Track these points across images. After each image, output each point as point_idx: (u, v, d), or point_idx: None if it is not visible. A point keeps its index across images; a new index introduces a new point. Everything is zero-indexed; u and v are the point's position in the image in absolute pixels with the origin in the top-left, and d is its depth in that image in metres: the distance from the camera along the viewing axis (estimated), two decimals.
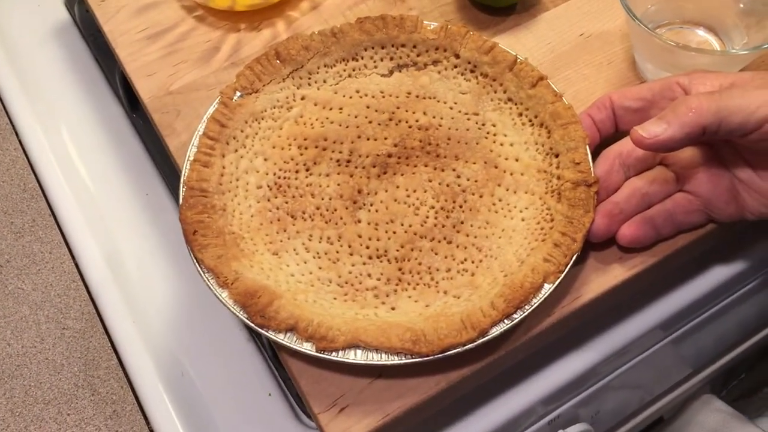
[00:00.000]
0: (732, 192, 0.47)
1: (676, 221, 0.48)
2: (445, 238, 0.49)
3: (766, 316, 0.69)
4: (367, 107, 0.55)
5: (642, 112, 0.49)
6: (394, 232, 0.50)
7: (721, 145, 0.47)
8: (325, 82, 0.55)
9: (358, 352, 0.44)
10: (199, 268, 0.47)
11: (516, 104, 0.53)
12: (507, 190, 0.51)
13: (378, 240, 0.50)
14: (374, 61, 0.56)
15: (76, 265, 0.58)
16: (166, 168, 0.63)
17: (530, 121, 0.52)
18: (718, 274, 0.57)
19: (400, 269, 0.48)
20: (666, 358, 0.64)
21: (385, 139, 0.53)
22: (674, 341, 0.62)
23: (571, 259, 0.46)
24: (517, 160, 0.52)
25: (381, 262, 0.49)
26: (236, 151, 0.52)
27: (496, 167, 0.52)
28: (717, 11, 0.57)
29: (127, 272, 0.58)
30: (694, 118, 0.42)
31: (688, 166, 0.48)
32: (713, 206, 0.48)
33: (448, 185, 0.51)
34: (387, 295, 0.47)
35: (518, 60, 0.53)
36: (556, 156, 0.50)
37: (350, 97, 0.55)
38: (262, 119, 0.54)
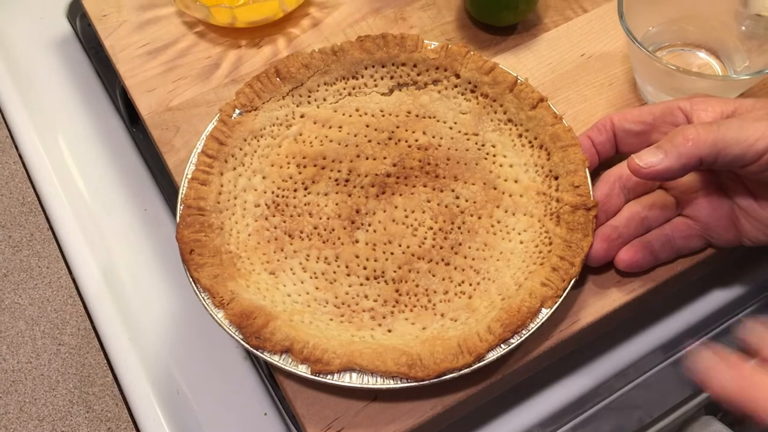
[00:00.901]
0: (731, 218, 0.47)
1: (674, 246, 0.48)
2: (443, 260, 0.49)
3: None
4: (367, 126, 0.54)
5: (643, 135, 0.49)
6: (392, 253, 0.50)
7: (722, 171, 0.47)
8: (324, 100, 0.55)
9: (354, 375, 0.43)
10: (196, 288, 0.47)
11: (516, 125, 0.53)
12: (506, 211, 0.51)
13: (375, 261, 0.49)
14: (374, 80, 0.56)
15: (73, 281, 0.58)
16: (165, 183, 0.63)
17: (530, 142, 0.52)
18: (718, 298, 0.56)
19: (397, 291, 0.48)
20: (665, 380, 0.63)
21: (384, 158, 0.53)
22: (674, 363, 0.62)
23: (569, 283, 0.45)
24: (516, 181, 0.51)
25: (378, 283, 0.49)
26: (234, 169, 0.52)
27: (495, 188, 0.51)
28: (719, 34, 0.56)
29: (123, 288, 0.58)
30: (691, 149, 0.42)
31: (688, 191, 0.48)
32: (712, 232, 0.48)
33: (446, 206, 0.51)
34: (384, 317, 0.47)
35: (518, 81, 0.53)
36: (556, 178, 0.50)
37: (350, 116, 0.55)
38: (261, 137, 0.53)
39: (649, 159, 0.43)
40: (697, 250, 0.49)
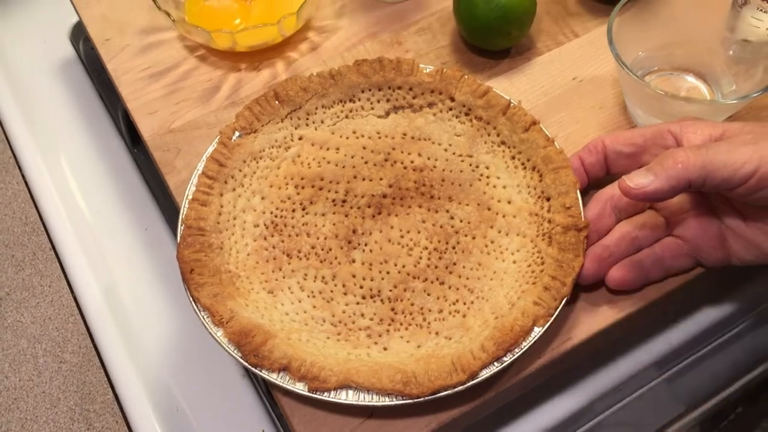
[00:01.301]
0: (720, 238, 0.48)
1: (664, 265, 0.49)
2: (437, 279, 0.50)
3: (759, 355, 0.69)
4: (364, 148, 0.56)
5: (634, 157, 0.50)
6: (388, 272, 0.51)
7: (711, 193, 0.48)
8: (322, 122, 0.57)
9: (350, 392, 0.44)
10: (195, 307, 0.48)
11: (509, 147, 0.54)
12: (499, 232, 0.52)
13: (372, 280, 0.50)
14: (371, 103, 0.57)
15: (75, 299, 0.59)
16: (166, 203, 0.64)
17: (523, 164, 0.53)
18: (709, 316, 0.58)
19: (392, 309, 0.49)
20: (659, 396, 0.64)
21: (381, 179, 0.54)
22: (668, 379, 0.63)
23: (561, 302, 0.46)
24: (509, 202, 0.53)
25: (374, 302, 0.50)
26: (234, 190, 0.53)
27: (488, 209, 0.53)
28: (706, 59, 0.58)
29: (124, 307, 0.59)
30: (680, 171, 0.43)
31: (678, 211, 0.49)
32: (701, 251, 0.49)
33: (441, 226, 0.52)
34: (379, 335, 0.48)
35: (511, 104, 0.54)
36: (548, 200, 0.51)
37: (347, 138, 0.56)
38: (260, 159, 0.55)
39: (640, 180, 0.44)
40: (686, 269, 0.50)
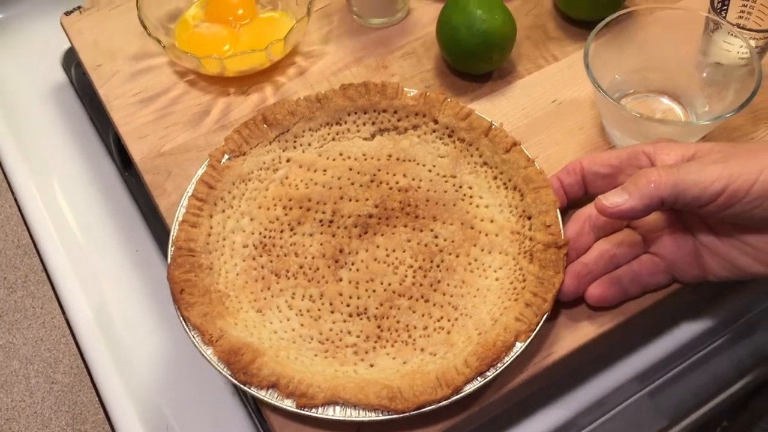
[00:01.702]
0: (695, 255, 0.50)
1: (642, 282, 0.51)
2: (422, 297, 0.52)
3: (740, 369, 0.70)
4: (350, 169, 0.57)
5: (610, 177, 0.51)
6: (374, 291, 0.52)
7: (684, 210, 0.50)
8: (309, 145, 0.58)
9: (337, 408, 0.45)
10: (186, 326, 0.49)
11: (491, 168, 0.56)
12: (482, 250, 0.53)
13: (358, 298, 0.52)
14: (357, 126, 0.59)
15: (66, 320, 0.60)
16: (157, 225, 0.65)
17: (504, 184, 0.55)
18: (688, 331, 0.59)
19: (379, 327, 0.50)
20: (642, 411, 0.65)
21: (367, 200, 0.56)
22: (650, 394, 0.64)
23: (542, 318, 0.48)
24: (492, 221, 0.54)
25: (361, 319, 0.51)
26: (223, 211, 0.54)
27: (472, 228, 0.54)
28: (681, 81, 0.60)
29: (115, 327, 0.60)
30: (653, 190, 0.45)
31: (654, 229, 0.51)
32: (677, 268, 0.50)
33: (426, 245, 0.54)
34: (366, 352, 0.49)
35: (493, 126, 0.56)
36: (529, 218, 0.53)
37: (334, 160, 0.58)
38: (249, 181, 0.56)
39: (615, 199, 0.46)
40: (663, 285, 0.52)
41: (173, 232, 0.52)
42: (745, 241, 0.47)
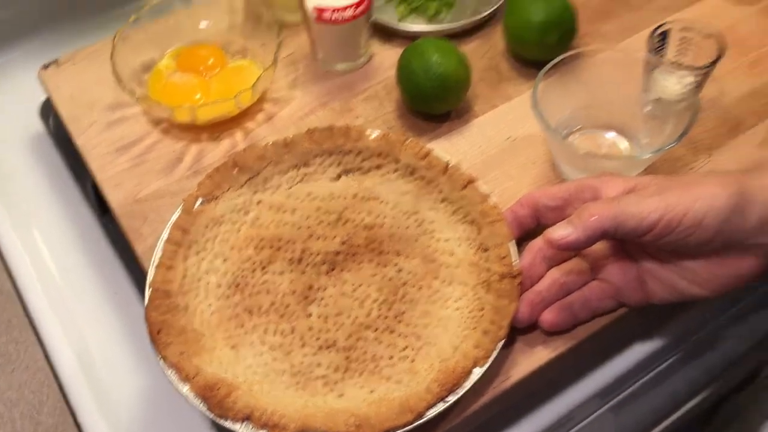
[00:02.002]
0: (639, 280, 0.54)
1: (591, 307, 0.54)
2: (387, 328, 0.55)
3: (695, 386, 0.74)
4: (318, 209, 0.60)
5: (560, 210, 0.55)
6: (342, 324, 0.55)
7: (626, 239, 0.54)
8: (279, 187, 0.61)
9: None
10: (163, 364, 0.51)
11: (450, 203, 0.59)
12: (443, 282, 0.56)
13: (327, 332, 0.55)
14: (323, 167, 0.62)
15: (49, 363, 0.62)
16: (134, 268, 0.68)
17: (462, 218, 0.58)
18: (640, 351, 0.62)
19: (347, 358, 0.53)
20: (604, 427, 0.68)
21: (334, 237, 0.59)
22: (612, 410, 0.67)
23: (498, 345, 0.51)
24: (451, 254, 0.58)
25: (330, 352, 0.54)
26: (198, 253, 0.57)
27: (433, 261, 0.57)
28: (625, 116, 0.64)
29: (96, 368, 0.62)
30: (595, 223, 0.48)
31: (601, 257, 0.55)
32: (623, 293, 0.54)
33: (390, 279, 0.57)
34: (335, 383, 0.52)
35: (450, 164, 0.60)
36: (485, 251, 0.56)
37: (302, 200, 0.61)
38: (222, 223, 0.59)
39: (561, 232, 0.50)
40: (611, 309, 0.55)
41: (150, 275, 0.55)
42: (683, 266, 0.51)
